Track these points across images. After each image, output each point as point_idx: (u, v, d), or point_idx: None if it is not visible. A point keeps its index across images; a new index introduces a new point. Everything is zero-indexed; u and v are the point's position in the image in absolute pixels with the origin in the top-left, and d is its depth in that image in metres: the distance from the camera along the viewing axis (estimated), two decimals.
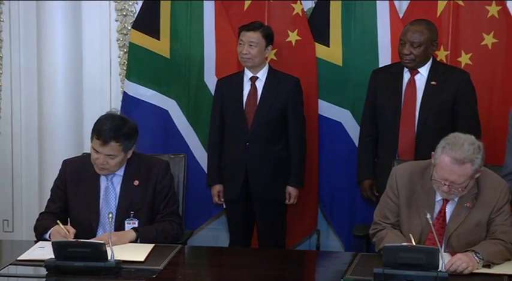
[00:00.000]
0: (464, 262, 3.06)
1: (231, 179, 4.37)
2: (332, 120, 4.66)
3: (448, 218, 3.29)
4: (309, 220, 4.78)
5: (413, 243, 3.12)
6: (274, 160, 4.32)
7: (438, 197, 3.30)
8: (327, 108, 4.66)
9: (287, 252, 4.14)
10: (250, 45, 4.28)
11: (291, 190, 4.37)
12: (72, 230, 3.38)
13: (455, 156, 3.13)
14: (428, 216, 3.11)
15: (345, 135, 4.65)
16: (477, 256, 3.11)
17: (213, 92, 4.56)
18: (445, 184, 3.18)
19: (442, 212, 3.29)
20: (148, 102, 4.76)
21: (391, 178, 3.42)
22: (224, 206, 4.47)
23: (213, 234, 5.00)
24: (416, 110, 4.14)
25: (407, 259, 2.97)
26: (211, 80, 4.69)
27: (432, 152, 3.24)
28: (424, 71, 4.17)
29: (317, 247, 4.95)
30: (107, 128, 3.43)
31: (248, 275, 3.21)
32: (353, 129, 4.60)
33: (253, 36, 4.28)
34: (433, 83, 4.15)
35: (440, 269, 2.98)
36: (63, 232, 3.36)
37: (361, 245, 3.96)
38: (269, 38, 4.33)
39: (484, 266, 3.11)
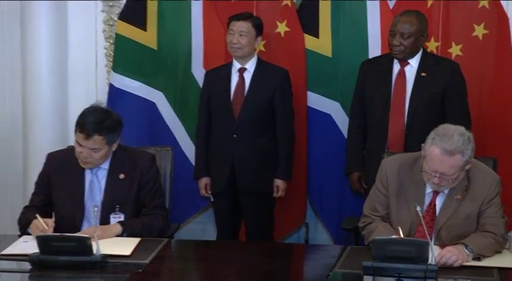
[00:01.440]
0: (454, 254, 3.04)
1: (218, 171, 4.33)
2: (321, 112, 4.63)
3: (438, 210, 3.27)
4: (297, 213, 4.75)
5: (402, 235, 3.09)
6: (262, 152, 4.29)
7: (428, 190, 3.27)
8: (316, 100, 4.62)
9: (275, 245, 4.11)
10: (241, 35, 4.24)
11: (278, 182, 4.33)
12: (51, 224, 3.33)
13: (445, 147, 3.11)
14: (418, 208, 3.09)
15: (334, 127, 4.62)
16: (467, 249, 3.09)
17: (200, 84, 4.52)
18: (435, 176, 3.15)
19: (432, 204, 3.27)
20: (134, 94, 4.70)
21: (380, 171, 3.39)
22: (212, 199, 4.43)
23: (200, 227, 4.96)
24: (406, 102, 4.11)
25: (396, 252, 2.95)
26: (198, 72, 4.64)
27: (422, 144, 3.22)
28: (414, 62, 4.14)
29: (306, 240, 4.91)
30: (90, 121, 3.38)
31: (236, 268, 3.18)
32: (342, 121, 4.57)
33: (244, 26, 4.24)
34: (423, 74, 4.12)
35: (430, 262, 2.95)
36: (42, 226, 3.31)
37: (350, 238, 3.94)
38: (259, 28, 4.30)
39: (474, 259, 3.10)
